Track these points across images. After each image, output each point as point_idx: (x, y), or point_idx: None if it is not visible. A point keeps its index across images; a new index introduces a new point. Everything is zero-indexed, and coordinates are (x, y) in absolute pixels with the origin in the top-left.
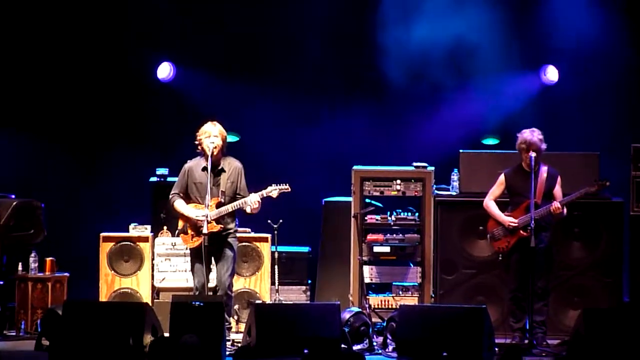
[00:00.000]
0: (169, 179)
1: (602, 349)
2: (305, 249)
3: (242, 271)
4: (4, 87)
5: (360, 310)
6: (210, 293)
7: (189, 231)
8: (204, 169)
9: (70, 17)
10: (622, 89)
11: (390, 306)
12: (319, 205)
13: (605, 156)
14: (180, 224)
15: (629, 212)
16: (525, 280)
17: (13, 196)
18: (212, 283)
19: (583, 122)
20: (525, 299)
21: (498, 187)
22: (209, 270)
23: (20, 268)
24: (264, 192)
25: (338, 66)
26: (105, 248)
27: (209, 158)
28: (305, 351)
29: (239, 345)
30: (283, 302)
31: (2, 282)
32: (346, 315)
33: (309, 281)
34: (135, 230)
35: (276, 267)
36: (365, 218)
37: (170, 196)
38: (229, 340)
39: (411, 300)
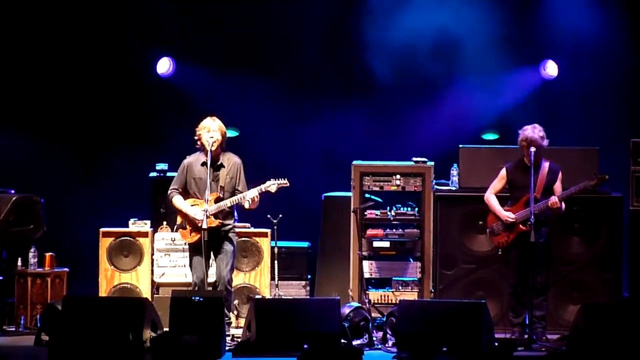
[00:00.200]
0: (168, 174)
1: (601, 343)
2: (305, 244)
3: (242, 266)
4: (4, 84)
5: (359, 305)
6: (210, 288)
7: (187, 226)
8: (203, 164)
9: (70, 13)
10: (622, 84)
11: (389, 301)
12: (319, 200)
13: (605, 151)
14: (179, 219)
15: (629, 207)
16: (525, 275)
17: (13, 191)
18: (211, 278)
19: (583, 117)
20: (525, 294)
21: (499, 181)
22: (208, 265)
23: (19, 263)
24: (263, 187)
25: (337, 62)
26: (104, 243)
27: (209, 153)
28: (305, 346)
29: (239, 340)
30: (283, 297)
31: (1, 278)
32: (346, 310)
33: (309, 276)
34: (135, 225)
35: (276, 262)
36: (365, 213)
37: (169, 192)
38: (228, 336)
39: (411, 295)
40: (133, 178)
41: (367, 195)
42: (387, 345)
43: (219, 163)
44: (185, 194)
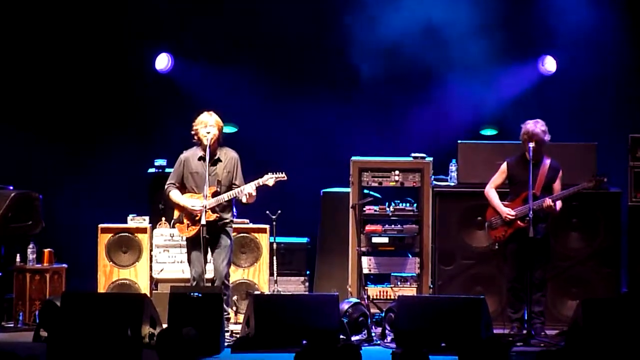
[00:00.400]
0: (167, 169)
1: (600, 339)
2: (304, 240)
3: (241, 262)
4: (3, 81)
5: (358, 301)
6: (209, 284)
7: (185, 220)
8: (200, 158)
9: (68, 8)
10: (620, 79)
11: (388, 297)
12: (318, 196)
13: (603, 146)
14: (176, 213)
15: (627, 202)
16: (523, 270)
17: (11, 187)
18: (209, 274)
19: (581, 112)
20: (523, 289)
21: (500, 176)
22: (206, 260)
23: (18, 259)
24: (260, 181)
25: (337, 57)
26: (103, 239)
27: (207, 148)
28: (304, 342)
29: (238, 336)
30: (281, 293)
31: (0, 274)
32: (345, 306)
33: (308, 272)
34: (134, 221)
35: (274, 258)
36: (364, 209)
37: (166, 186)
38: (227, 331)
39: (409, 290)
40: (132, 174)
41: (365, 191)
42: (386, 341)
43: (216, 157)
44: (183, 188)
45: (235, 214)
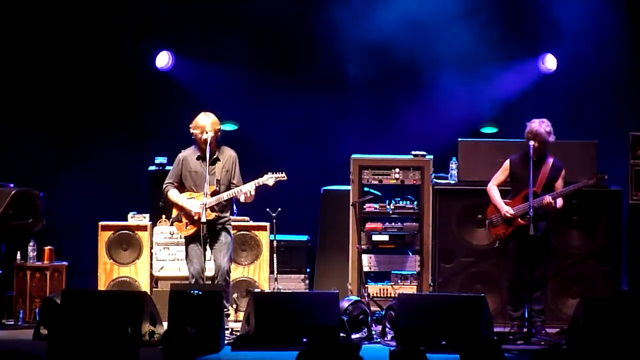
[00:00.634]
0: (167, 167)
1: (600, 337)
2: (304, 238)
3: (241, 260)
4: (4, 80)
5: (358, 298)
6: (209, 282)
7: (184, 219)
8: (199, 158)
9: (68, 7)
10: (621, 78)
11: (389, 295)
12: (318, 194)
13: (604, 145)
14: (175, 212)
15: (628, 201)
16: (522, 268)
17: (12, 185)
18: (209, 272)
19: (581, 110)
20: (523, 287)
21: (502, 173)
22: (204, 258)
23: (18, 257)
24: (260, 181)
25: (337, 54)
26: (103, 237)
27: (207, 149)
28: (304, 340)
29: (238, 333)
30: (282, 290)
31: (0, 271)
32: (345, 304)
33: (308, 270)
34: (134, 219)
35: (275, 255)
36: (364, 207)
37: (164, 185)
38: (227, 329)
39: (410, 288)
40: (132, 171)
41: (366, 189)
42: (386, 339)
43: (215, 156)
44: (181, 187)
45: (235, 212)
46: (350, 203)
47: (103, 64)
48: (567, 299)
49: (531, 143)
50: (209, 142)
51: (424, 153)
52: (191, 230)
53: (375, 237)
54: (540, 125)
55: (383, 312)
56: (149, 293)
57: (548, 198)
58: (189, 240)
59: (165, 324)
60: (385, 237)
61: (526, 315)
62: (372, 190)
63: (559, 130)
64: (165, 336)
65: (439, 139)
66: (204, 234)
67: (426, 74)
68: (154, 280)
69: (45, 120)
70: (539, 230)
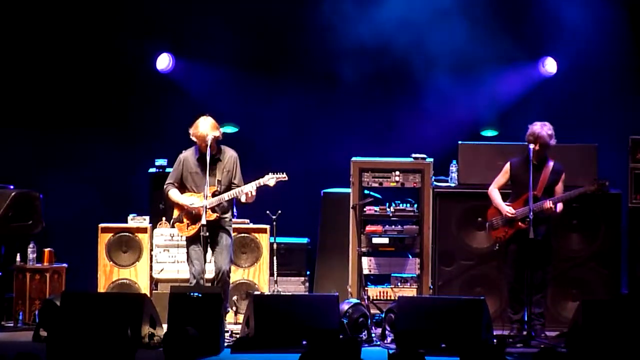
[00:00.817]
0: (167, 169)
1: (600, 340)
2: (304, 240)
3: (241, 262)
4: (5, 81)
5: (358, 301)
6: (209, 284)
7: (185, 220)
8: (200, 158)
9: (69, 7)
10: (621, 81)
11: (388, 297)
12: (318, 197)
13: (604, 148)
14: (176, 213)
15: (627, 204)
16: (522, 271)
17: (12, 187)
18: (209, 274)
19: (581, 113)
20: (523, 290)
21: (503, 176)
22: (205, 260)
23: (18, 259)
24: (261, 181)
25: (337, 56)
26: (103, 239)
27: (207, 151)
28: (304, 342)
29: (238, 336)
30: (281, 293)
31: (0, 273)
32: (345, 306)
33: (308, 272)
34: (134, 221)
35: (275, 258)
36: (364, 209)
37: (165, 186)
38: (227, 331)
39: (410, 291)
40: (132, 173)
41: (366, 192)
42: (386, 341)
43: (215, 157)
44: (182, 188)
45: (235, 214)
46: (351, 206)
47: (103, 66)
48: (567, 302)
49: (531, 146)
50: (209, 145)
51: (424, 156)
52: (192, 230)
53: (375, 240)
54: (542, 128)
55: (383, 315)
56: (148, 295)
57: (548, 203)
58: (190, 241)
59: (165, 326)
60: (386, 240)
61: (526, 318)
62: (372, 193)
63: (559, 134)
64: (166, 337)
65: (439, 142)
66: (205, 235)
67: (427, 77)
68: (154, 283)
69: (45, 121)
70: (539, 234)
